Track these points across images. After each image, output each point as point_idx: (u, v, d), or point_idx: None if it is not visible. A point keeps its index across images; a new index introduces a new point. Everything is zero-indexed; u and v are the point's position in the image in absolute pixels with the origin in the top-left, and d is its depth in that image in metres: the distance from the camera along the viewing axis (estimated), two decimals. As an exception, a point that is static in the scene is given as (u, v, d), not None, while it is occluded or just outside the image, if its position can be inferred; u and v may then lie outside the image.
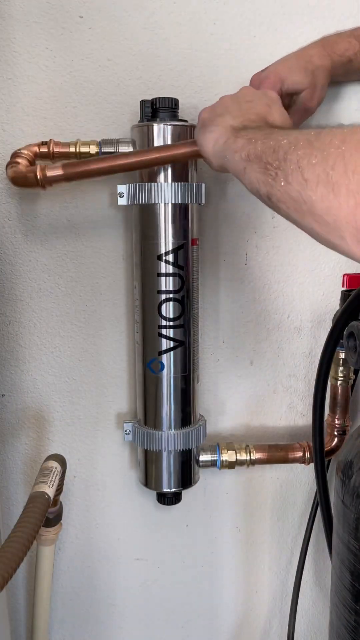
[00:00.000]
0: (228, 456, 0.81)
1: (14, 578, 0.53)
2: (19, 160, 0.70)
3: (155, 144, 0.71)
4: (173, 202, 0.71)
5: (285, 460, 0.83)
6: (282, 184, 0.41)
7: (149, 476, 0.80)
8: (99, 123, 0.77)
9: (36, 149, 0.72)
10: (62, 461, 0.72)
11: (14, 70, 0.75)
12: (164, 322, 0.73)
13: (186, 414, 0.78)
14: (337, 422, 0.81)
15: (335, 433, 0.81)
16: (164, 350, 0.74)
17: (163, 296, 0.73)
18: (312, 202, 0.38)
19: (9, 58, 0.75)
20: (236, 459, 0.81)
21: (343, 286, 0.77)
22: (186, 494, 0.84)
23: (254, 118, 0.55)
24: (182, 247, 0.73)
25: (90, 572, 0.92)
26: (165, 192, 0.71)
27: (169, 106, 0.71)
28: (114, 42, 0.76)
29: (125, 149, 0.73)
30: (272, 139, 0.44)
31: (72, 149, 0.72)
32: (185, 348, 0.75)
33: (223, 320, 0.85)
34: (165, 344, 0.74)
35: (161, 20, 0.76)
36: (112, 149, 0.73)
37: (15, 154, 0.71)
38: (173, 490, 0.80)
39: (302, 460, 0.83)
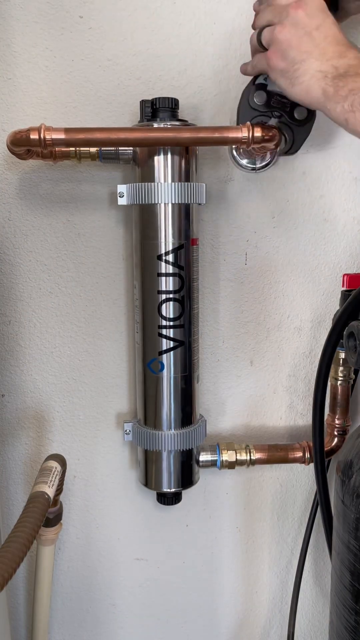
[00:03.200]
0: (228, 456, 0.81)
1: (14, 578, 0.53)
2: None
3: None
4: (173, 202, 0.71)
5: (285, 460, 0.83)
6: None
7: (149, 476, 0.80)
8: (99, 123, 0.77)
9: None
10: (62, 461, 0.72)
11: (14, 70, 0.75)
12: (164, 322, 0.73)
13: (186, 414, 0.78)
14: (337, 422, 0.81)
15: (335, 433, 0.81)
16: (164, 350, 0.74)
17: (163, 296, 0.73)
18: None
19: (9, 58, 0.75)
20: (236, 459, 0.81)
21: (343, 286, 0.77)
22: (186, 494, 0.84)
23: (334, 51, 0.54)
24: (182, 247, 0.73)
25: (90, 572, 0.92)
26: (165, 192, 0.71)
27: (169, 106, 0.71)
28: (114, 42, 0.76)
29: (125, 149, 0.73)
30: None
31: (72, 149, 0.72)
32: (185, 348, 0.75)
33: (223, 320, 0.85)
34: (165, 344, 0.74)
35: (161, 20, 0.76)
36: (112, 149, 0.73)
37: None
38: (173, 490, 0.80)
39: (302, 460, 0.83)
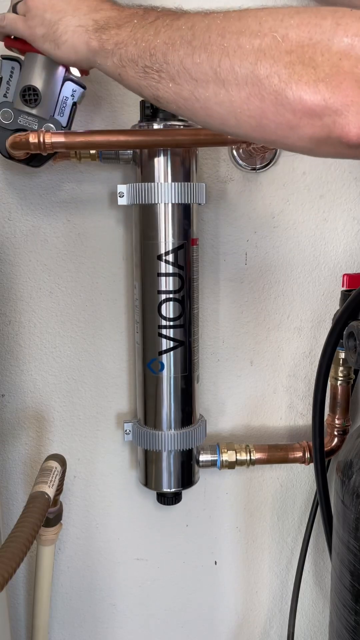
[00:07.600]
0: (228, 456, 0.81)
1: (14, 578, 0.53)
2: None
3: (155, 144, 0.71)
4: (173, 202, 0.71)
5: (285, 460, 0.83)
6: (170, 85, 0.43)
7: (149, 476, 0.80)
8: (99, 123, 0.77)
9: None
10: (62, 461, 0.72)
11: (14, 70, 0.75)
12: (164, 322, 0.73)
13: (186, 414, 0.78)
14: (337, 422, 0.81)
15: (335, 433, 0.81)
16: (164, 350, 0.74)
17: (163, 296, 0.73)
18: (205, 98, 0.41)
19: (9, 58, 0.75)
20: (236, 459, 0.81)
21: (343, 286, 0.77)
22: (186, 494, 0.84)
23: (89, 6, 0.53)
24: (182, 247, 0.73)
25: (90, 572, 0.92)
26: (165, 192, 0.71)
27: (169, 106, 0.71)
28: (114, 42, 0.76)
29: (125, 150, 0.73)
30: (142, 39, 0.45)
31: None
32: (185, 348, 0.75)
33: (223, 320, 0.85)
34: (165, 344, 0.74)
35: (161, 20, 0.76)
36: (112, 150, 0.73)
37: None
38: (173, 490, 0.80)
39: (302, 460, 0.83)
